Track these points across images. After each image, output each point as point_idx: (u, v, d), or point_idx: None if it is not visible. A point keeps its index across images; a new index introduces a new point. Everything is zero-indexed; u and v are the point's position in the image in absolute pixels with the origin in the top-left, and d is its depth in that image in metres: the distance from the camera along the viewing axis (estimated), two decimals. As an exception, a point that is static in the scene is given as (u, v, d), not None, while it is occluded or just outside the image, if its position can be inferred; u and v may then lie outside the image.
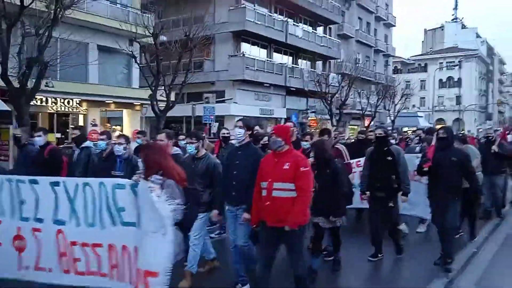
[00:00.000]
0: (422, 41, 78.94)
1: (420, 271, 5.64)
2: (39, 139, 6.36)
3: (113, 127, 20.46)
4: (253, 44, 26.95)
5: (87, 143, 6.41)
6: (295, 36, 28.57)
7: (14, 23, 10.77)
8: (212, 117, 20.36)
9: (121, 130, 19.95)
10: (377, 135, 6.12)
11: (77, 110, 18.45)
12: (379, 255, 5.99)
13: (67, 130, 17.52)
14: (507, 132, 9.78)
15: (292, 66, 29.41)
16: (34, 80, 11.28)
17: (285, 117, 27.53)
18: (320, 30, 33.32)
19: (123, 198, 3.66)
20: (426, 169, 5.62)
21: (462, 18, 75.45)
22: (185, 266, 4.76)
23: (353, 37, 38.16)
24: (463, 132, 17.34)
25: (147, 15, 18.13)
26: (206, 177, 4.82)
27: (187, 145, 5.02)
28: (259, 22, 25.46)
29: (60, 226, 3.91)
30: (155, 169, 3.49)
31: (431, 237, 6.75)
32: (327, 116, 28.66)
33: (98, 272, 3.78)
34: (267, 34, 26.22)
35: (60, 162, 6.40)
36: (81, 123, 18.59)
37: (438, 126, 7.35)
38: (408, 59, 66.67)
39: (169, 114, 16.89)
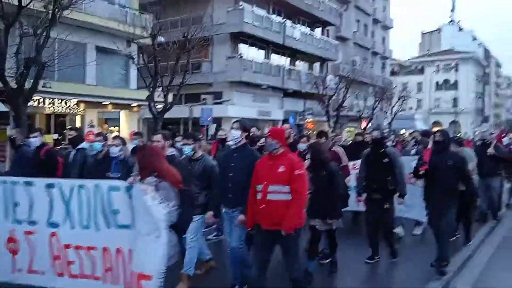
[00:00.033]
0: (419, 44, 79.24)
1: (416, 273, 5.67)
2: (35, 140, 6.35)
3: (111, 128, 20.42)
4: (251, 45, 26.97)
5: (83, 145, 6.38)
6: (293, 38, 28.62)
7: (12, 23, 10.75)
8: (209, 118, 20.36)
9: (119, 131, 19.93)
10: (374, 137, 6.15)
11: (75, 111, 18.38)
12: (376, 257, 6.02)
13: (64, 131, 17.47)
14: (503, 135, 9.82)
15: (290, 68, 29.45)
16: (31, 81, 11.25)
17: (283, 119, 27.56)
18: (317, 32, 33.38)
19: (118, 201, 3.63)
20: (422, 172, 5.63)
21: (459, 20, 75.67)
22: (182, 268, 4.76)
23: (350, 39, 38.25)
24: (459, 134, 17.41)
25: (145, 16, 18.12)
26: (202, 179, 4.81)
27: (184, 146, 5.01)
28: (257, 24, 25.49)
29: (54, 228, 3.88)
30: (150, 171, 3.48)
31: (428, 239, 6.78)
32: (325, 118, 28.72)
33: (92, 275, 3.76)
34: (265, 36, 26.25)
35: (56, 163, 6.39)
36: (78, 124, 18.54)
37: (435, 129, 7.36)
38: (405, 61, 66.86)
39: (167, 115, 16.87)
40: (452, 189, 5.50)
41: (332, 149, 6.52)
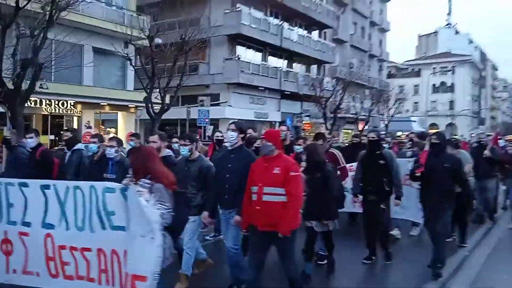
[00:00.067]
0: (416, 46, 79.58)
1: (413, 274, 5.69)
2: (31, 141, 6.31)
3: (108, 129, 20.40)
4: (248, 47, 27.01)
5: (79, 146, 6.36)
6: (290, 40, 28.68)
7: (9, 25, 10.73)
8: (207, 120, 20.38)
9: (116, 133, 19.89)
10: (370, 138, 6.16)
11: (72, 112, 18.38)
12: (373, 258, 6.04)
13: (61, 132, 17.43)
14: (498, 137, 9.89)
15: (287, 70, 29.51)
16: (28, 82, 11.23)
17: (280, 120, 27.60)
18: (315, 34, 33.48)
19: (113, 202, 3.63)
20: (418, 174, 5.64)
21: (456, 24, 76.09)
22: (179, 269, 4.77)
23: (347, 42, 38.38)
24: (456, 136, 17.49)
25: (142, 17, 18.13)
26: (199, 180, 4.81)
27: (181, 147, 5.01)
28: (254, 26, 25.54)
29: (49, 230, 3.87)
30: (144, 173, 3.48)
31: (424, 240, 6.80)
32: (322, 120, 28.79)
33: (87, 277, 3.75)
34: (262, 38, 26.30)
35: (52, 164, 6.36)
36: (75, 125, 18.52)
37: (432, 131, 7.41)
38: (402, 64, 67.12)
39: (164, 116, 16.88)
40: (449, 191, 5.52)
41: (329, 150, 6.51)
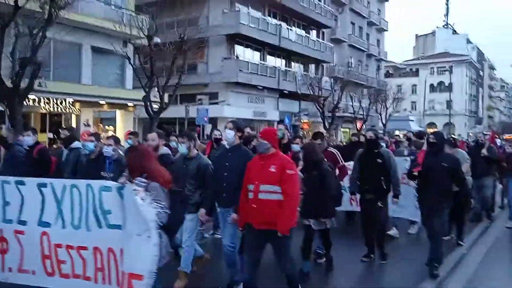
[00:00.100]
0: (414, 46, 79.72)
1: (411, 272, 5.71)
2: (28, 139, 6.31)
3: (106, 127, 20.40)
4: (247, 47, 27.04)
5: (76, 144, 6.33)
6: (288, 39, 28.72)
7: (8, 23, 10.75)
8: (205, 119, 20.40)
9: (114, 131, 19.91)
10: (368, 137, 6.15)
11: (70, 111, 18.36)
12: (372, 256, 6.07)
13: (60, 131, 17.41)
14: (496, 136, 9.95)
15: (285, 69, 29.56)
16: (27, 80, 11.24)
17: (278, 119, 27.64)
18: (313, 34, 33.55)
19: (109, 201, 3.62)
20: (416, 173, 5.65)
21: (453, 23, 76.35)
22: (176, 267, 4.80)
23: (345, 41, 38.44)
24: (453, 135, 17.56)
25: (141, 16, 18.14)
26: (197, 178, 4.81)
27: (179, 144, 5.00)
28: (253, 26, 25.56)
29: (45, 228, 3.86)
30: (139, 172, 3.47)
31: (422, 239, 6.84)
32: (320, 119, 28.85)
33: (83, 275, 3.74)
34: (260, 38, 26.33)
35: (49, 162, 6.37)
36: (74, 123, 18.50)
37: (430, 130, 7.43)
38: (400, 64, 67.27)
39: (162, 115, 16.91)
40: (447, 190, 5.53)
41: (328, 149, 6.53)
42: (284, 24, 28.79)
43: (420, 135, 8.83)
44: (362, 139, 8.27)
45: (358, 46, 40.52)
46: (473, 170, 7.80)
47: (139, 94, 17.24)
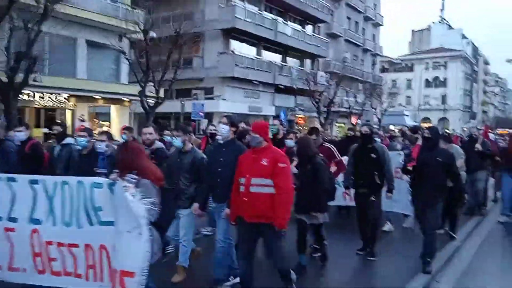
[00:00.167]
0: (409, 41, 79.86)
1: (405, 266, 5.75)
2: (21, 134, 6.27)
3: (101, 122, 20.35)
4: (243, 41, 27.00)
5: (69, 140, 6.26)
6: (284, 34, 28.70)
7: (2, 17, 10.69)
8: (201, 113, 20.39)
9: (109, 126, 19.88)
10: (363, 132, 6.14)
11: (65, 105, 18.30)
12: (367, 249, 6.12)
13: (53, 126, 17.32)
14: (489, 131, 10.05)
15: (281, 64, 29.55)
16: (22, 75, 11.20)
17: (274, 114, 27.68)
18: (309, 28, 33.53)
19: (100, 197, 3.59)
20: (410, 168, 5.66)
21: (449, 19, 76.49)
22: (177, 260, 4.86)
23: (341, 36, 38.46)
24: (447, 130, 17.65)
25: (137, 11, 18.07)
26: (192, 172, 4.80)
27: (174, 137, 5.00)
28: (249, 20, 25.51)
29: (35, 225, 3.82)
30: (130, 168, 3.46)
31: (417, 233, 6.90)
32: (315, 114, 28.92)
33: (74, 273, 3.72)
34: (256, 32, 26.29)
35: (41, 157, 6.33)
36: (68, 118, 18.47)
37: (425, 125, 7.44)
38: (395, 58, 67.41)
39: (158, 110, 16.90)
40: (441, 185, 5.55)
41: (324, 145, 6.57)
42: (280, 19, 28.75)
43: (414, 130, 8.92)
44: (358, 134, 8.31)
45: (353, 41, 40.56)
46: (467, 164, 7.86)
47: (134, 89, 17.22)
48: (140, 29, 16.40)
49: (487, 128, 10.74)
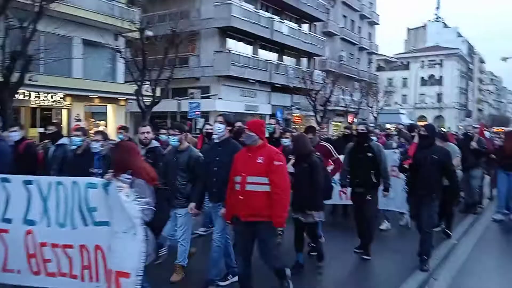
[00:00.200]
0: (405, 40, 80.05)
1: (402, 264, 5.78)
2: (15, 135, 6.24)
3: (97, 122, 20.29)
4: (239, 40, 26.98)
5: (63, 140, 6.25)
6: (280, 33, 28.71)
7: (-3, 16, 10.63)
8: (197, 113, 20.38)
9: (105, 125, 19.83)
10: (359, 131, 6.15)
11: (61, 105, 18.22)
12: (368, 247, 6.11)
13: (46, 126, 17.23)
14: (484, 129, 10.10)
15: (277, 63, 29.56)
16: (17, 74, 11.14)
17: (270, 113, 27.70)
18: (305, 27, 33.55)
19: (95, 198, 3.57)
20: (406, 166, 5.67)
21: (444, 17, 76.76)
22: (175, 260, 4.87)
23: (337, 35, 38.51)
24: (443, 129, 17.72)
25: (133, 9, 18.01)
26: (188, 170, 4.79)
27: (169, 136, 4.97)
28: (245, 19, 25.49)
29: (30, 226, 3.80)
30: (124, 168, 3.45)
31: (414, 230, 6.93)
32: (312, 113, 28.95)
33: (69, 274, 3.70)
34: (253, 31, 26.27)
35: (36, 157, 6.31)
36: (64, 118, 18.40)
37: (421, 124, 7.44)
38: (391, 57, 67.57)
39: (154, 109, 16.87)
40: (436, 184, 5.56)
41: (321, 143, 6.57)
42: (276, 17, 28.76)
43: (411, 128, 8.95)
44: (354, 132, 8.32)
45: (349, 40, 40.63)
46: (462, 162, 7.90)
47: (130, 88, 17.17)
48: (136, 27, 16.35)
49: (483, 126, 10.81)
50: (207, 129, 7.14)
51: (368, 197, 5.89)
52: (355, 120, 32.92)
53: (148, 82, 16.49)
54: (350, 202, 6.58)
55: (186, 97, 22.07)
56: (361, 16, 43.69)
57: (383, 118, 37.79)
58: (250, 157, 4.14)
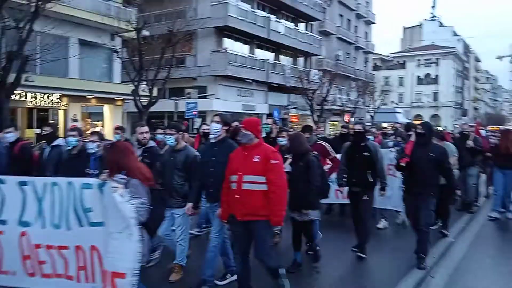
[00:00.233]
0: (401, 39, 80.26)
1: (399, 262, 5.81)
2: (10, 136, 6.23)
3: (94, 122, 20.26)
4: (236, 40, 26.97)
5: (59, 141, 6.23)
6: (277, 32, 28.73)
7: (-7, 17, 10.59)
8: (195, 113, 20.37)
9: (102, 126, 19.79)
10: (356, 130, 6.13)
11: (57, 105, 18.19)
12: (364, 246, 6.14)
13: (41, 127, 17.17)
14: (480, 128, 10.16)
15: (274, 62, 29.58)
16: (14, 75, 11.11)
17: (267, 112, 27.73)
18: (301, 26, 33.58)
19: (90, 198, 3.55)
20: (403, 164, 5.63)
21: (440, 16, 77.07)
22: (174, 259, 4.88)
23: (334, 34, 38.56)
24: (439, 128, 17.81)
25: (129, 9, 17.98)
26: (185, 170, 4.79)
27: (166, 136, 4.97)
28: (241, 18, 25.49)
29: (24, 228, 3.78)
30: (118, 169, 3.44)
31: (410, 228, 6.96)
32: (308, 112, 29.00)
33: (65, 275, 3.69)
34: (249, 30, 26.27)
35: (31, 159, 6.30)
36: (61, 118, 18.37)
37: (417, 122, 7.44)
38: (387, 56, 67.74)
39: (151, 109, 16.86)
40: (433, 182, 5.57)
41: (318, 142, 6.59)
42: (273, 17, 28.77)
43: (408, 127, 8.98)
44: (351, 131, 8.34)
45: (346, 39, 40.69)
46: (458, 161, 7.93)
47: (127, 88, 17.14)
48: (133, 27, 16.32)
49: (479, 124, 10.87)
50: (204, 129, 7.14)
51: (365, 197, 5.89)
52: (352, 119, 32.97)
53: (145, 82, 16.48)
54: (346, 201, 6.59)
55: (183, 97, 22.06)
56: (357, 15, 43.77)
57: (380, 117, 37.90)
58: (246, 156, 4.13)
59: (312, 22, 34.86)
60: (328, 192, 5.82)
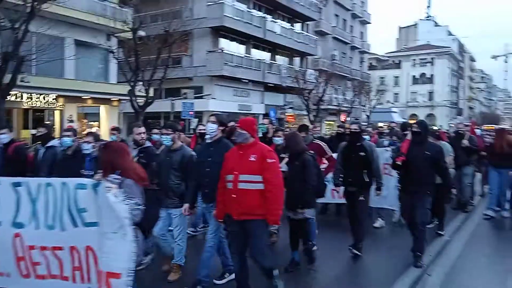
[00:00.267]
0: (397, 39, 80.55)
1: (396, 260, 5.84)
2: (4, 137, 6.21)
3: (90, 123, 20.20)
4: (232, 40, 26.98)
5: (53, 142, 6.22)
6: (273, 32, 28.76)
7: (-11, 17, 10.55)
8: (191, 113, 20.37)
9: (99, 126, 19.75)
10: (352, 130, 6.15)
11: (53, 106, 18.12)
12: (359, 245, 6.17)
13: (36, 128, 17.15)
14: (475, 127, 10.22)
15: (270, 62, 29.61)
16: (9, 75, 11.08)
17: (264, 112, 27.75)
18: (297, 26, 33.63)
19: (84, 199, 3.53)
20: (399, 163, 5.64)
21: (435, 16, 77.39)
22: (172, 259, 4.90)
23: (330, 34, 38.64)
24: (434, 127, 17.87)
25: (125, 9, 17.95)
26: (181, 169, 4.79)
27: (162, 136, 4.96)
28: (237, 18, 25.50)
29: (18, 229, 3.75)
30: (112, 169, 3.43)
31: (407, 227, 7.01)
32: (305, 112, 29.06)
33: (60, 276, 3.67)
34: (245, 30, 26.29)
35: (25, 160, 6.28)
36: (57, 119, 18.30)
37: (413, 122, 7.47)
38: (382, 56, 67.96)
39: (147, 109, 16.84)
40: (429, 181, 5.58)
41: (314, 141, 6.61)
42: (269, 17, 28.79)
43: (404, 127, 9.03)
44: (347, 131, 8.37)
45: (342, 39, 40.79)
46: (454, 160, 7.98)
47: (123, 89, 17.11)
48: (129, 28, 16.30)
49: (474, 124, 10.93)
50: (200, 129, 7.14)
51: (361, 198, 5.91)
52: (348, 119, 33.11)
53: (141, 83, 16.46)
54: (342, 200, 6.61)
55: (180, 97, 22.04)
56: (353, 15, 43.88)
57: (376, 117, 38.04)
58: (242, 155, 4.13)
59: (308, 22, 34.92)
60: (325, 192, 5.82)
